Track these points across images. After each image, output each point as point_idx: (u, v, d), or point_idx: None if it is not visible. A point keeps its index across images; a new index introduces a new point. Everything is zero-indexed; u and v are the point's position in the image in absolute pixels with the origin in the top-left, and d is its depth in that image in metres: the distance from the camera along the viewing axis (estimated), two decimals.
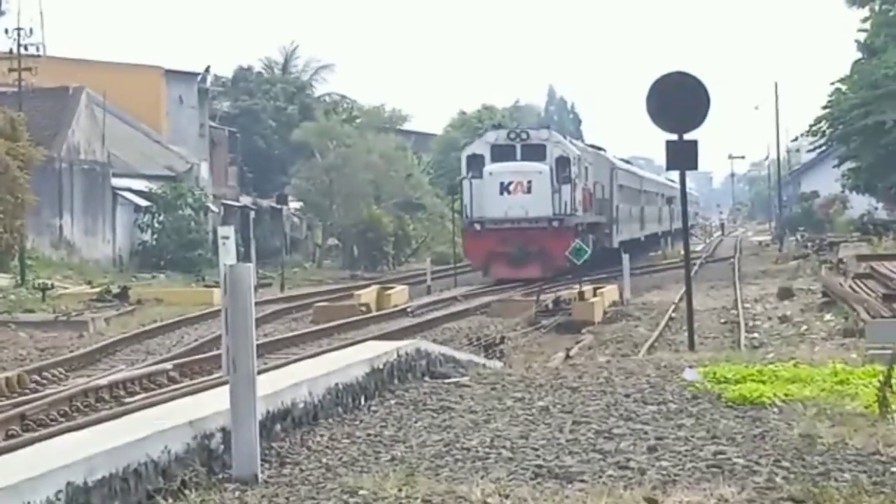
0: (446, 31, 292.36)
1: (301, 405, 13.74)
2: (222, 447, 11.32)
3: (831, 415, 13.91)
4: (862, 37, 74.78)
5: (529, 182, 51.90)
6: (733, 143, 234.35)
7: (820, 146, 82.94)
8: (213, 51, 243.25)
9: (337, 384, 14.95)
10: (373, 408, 15.06)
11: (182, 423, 11.30)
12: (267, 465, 11.39)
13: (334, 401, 14.67)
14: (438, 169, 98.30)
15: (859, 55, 74.83)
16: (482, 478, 10.88)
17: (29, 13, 62.44)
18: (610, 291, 42.34)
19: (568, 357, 26.90)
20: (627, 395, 15.61)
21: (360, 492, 10.18)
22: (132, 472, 9.96)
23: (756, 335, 30.66)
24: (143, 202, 64.87)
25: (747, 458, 11.64)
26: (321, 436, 13.12)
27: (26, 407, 21.81)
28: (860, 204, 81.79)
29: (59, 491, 8.77)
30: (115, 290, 46.70)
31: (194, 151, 74.17)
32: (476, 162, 54.16)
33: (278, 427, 12.69)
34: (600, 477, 10.91)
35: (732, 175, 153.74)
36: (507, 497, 9.99)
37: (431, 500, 9.90)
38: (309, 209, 78.96)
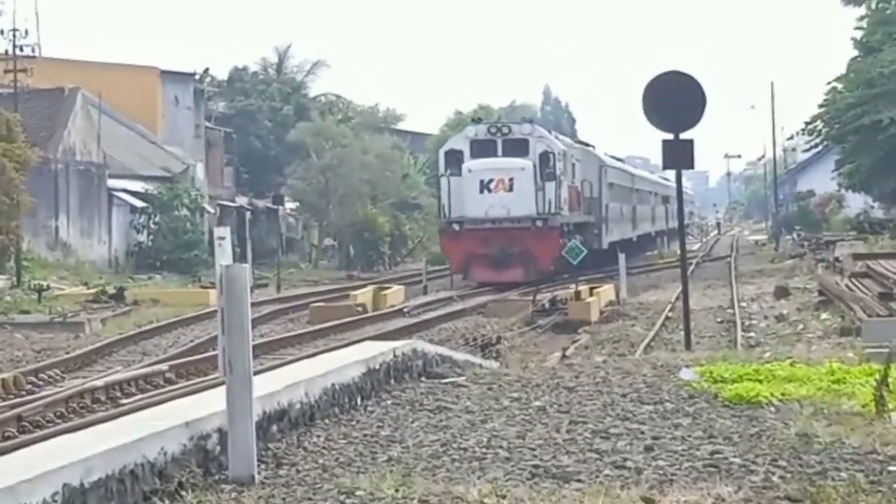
0: (442, 30, 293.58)
1: (297, 406, 13.76)
2: (219, 448, 11.35)
3: (828, 414, 14.00)
4: (858, 35, 74.59)
5: (511, 179, 49.43)
6: (729, 142, 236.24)
7: (816, 145, 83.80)
8: (208, 51, 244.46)
9: (333, 385, 14.99)
10: (369, 408, 15.08)
11: (178, 425, 11.33)
12: (263, 466, 11.40)
13: (331, 401, 14.70)
14: (434, 169, 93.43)
15: (856, 53, 74.64)
16: (479, 478, 10.92)
17: (24, 14, 62.47)
18: (606, 291, 42.17)
19: (564, 357, 26.87)
20: (624, 395, 15.67)
21: (357, 492, 10.22)
22: (128, 474, 9.99)
23: (752, 334, 30.64)
24: (139, 203, 64.99)
25: (744, 458, 11.70)
26: (318, 436, 13.15)
27: (23, 408, 21.77)
28: (856, 203, 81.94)
29: (56, 492, 8.79)
30: (111, 291, 46.63)
31: (190, 152, 74.16)
32: (455, 158, 51.51)
33: (275, 428, 12.72)
34: (597, 477, 10.95)
35: (729, 174, 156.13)
36: (503, 497, 10.03)
37: (428, 500, 9.93)
38: (305, 209, 79.03)
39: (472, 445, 12.55)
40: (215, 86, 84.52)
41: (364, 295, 45.83)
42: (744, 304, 38.68)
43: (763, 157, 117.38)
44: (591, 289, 41.66)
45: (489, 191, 48.97)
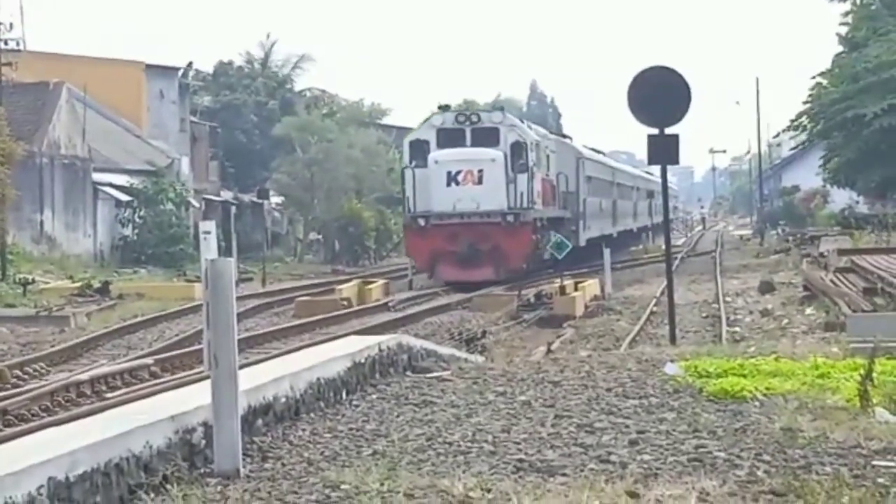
0: (429, 25, 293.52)
1: (283, 400, 13.83)
2: (204, 442, 11.40)
3: (812, 408, 14.12)
4: (843, 30, 75.27)
5: (481, 171, 45.82)
6: (715, 137, 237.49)
7: (801, 141, 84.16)
8: (193, 45, 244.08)
9: (319, 379, 15.06)
10: (354, 402, 15.20)
11: (164, 418, 11.38)
12: (249, 460, 11.49)
13: (316, 395, 14.76)
14: None
15: (840, 49, 75.01)
16: (464, 472, 10.98)
17: (8, 8, 62.87)
18: (591, 286, 42.22)
19: (549, 351, 26.89)
20: (609, 390, 15.77)
21: (343, 486, 10.27)
22: (114, 467, 10.04)
23: (737, 329, 30.75)
24: (124, 197, 65.16)
25: (729, 452, 11.81)
26: (303, 430, 13.21)
27: (8, 402, 21.84)
28: (841, 198, 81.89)
29: (41, 486, 8.83)
30: (96, 285, 46.67)
31: (175, 146, 74.26)
32: (421, 149, 47.83)
33: (260, 422, 12.79)
34: (582, 471, 11.04)
35: (714, 169, 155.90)
36: (488, 491, 10.10)
37: (414, 494, 10.00)
38: (290, 204, 79.22)
39: (457, 439, 12.63)
40: (200, 80, 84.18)
41: (349, 289, 45.83)
42: (728, 299, 38.83)
43: (748, 152, 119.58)
44: (576, 283, 41.80)
45: (457, 183, 45.93)
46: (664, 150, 25.99)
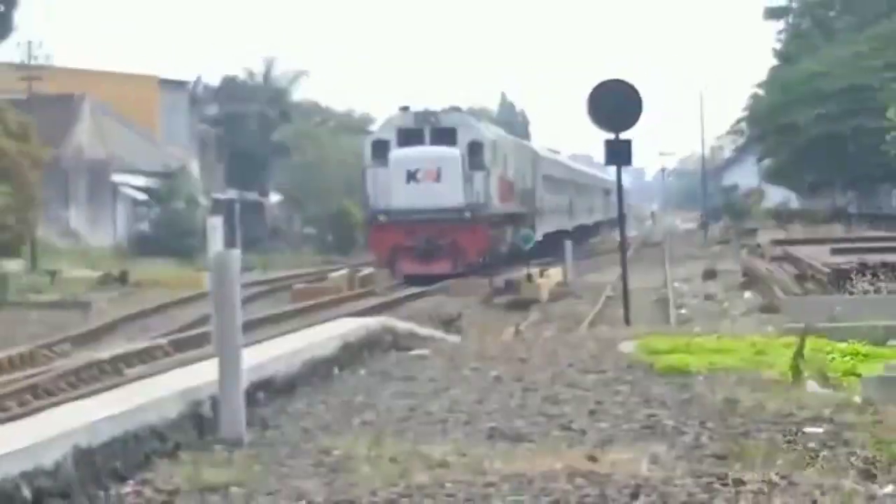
0: (412, 38, 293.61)
1: (281, 376, 14.01)
2: (212, 413, 11.58)
3: (750, 381, 14.28)
4: (778, 46, 76.12)
5: (439, 169, 43.97)
6: (664, 141, 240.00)
7: (740, 145, 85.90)
8: (202, 58, 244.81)
9: (313, 357, 15.25)
10: (345, 377, 15.35)
11: (176, 392, 11.59)
12: (251, 429, 11.66)
13: (311, 372, 14.90)
14: None
15: (775, 62, 75.59)
16: (442, 439, 11.18)
17: (38, 26, 63.95)
18: (555, 273, 42.46)
19: (518, 332, 27.13)
20: (571, 365, 15.96)
21: (334, 452, 10.42)
22: (132, 436, 10.26)
23: (684, 311, 31.00)
24: (140, 196, 66.22)
25: (676, 421, 12.03)
26: (299, 403, 13.38)
27: (38, 378, 22.22)
28: (776, 195, 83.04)
29: (67, 453, 9.01)
30: (115, 274, 46.83)
31: (186, 151, 74.98)
32: (382, 148, 45.89)
33: (261, 395, 12.91)
34: (546, 437, 11.25)
35: (663, 170, 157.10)
36: (464, 456, 10.24)
37: (397, 458, 10.14)
38: (288, 202, 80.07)
39: (435, 410, 12.83)
40: (208, 92, 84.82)
41: (340, 277, 45.33)
42: (676, 285, 39.03)
43: (693, 155, 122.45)
44: (541, 271, 41.92)
45: (416, 181, 43.92)
46: (619, 153, 26.73)
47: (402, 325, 20.42)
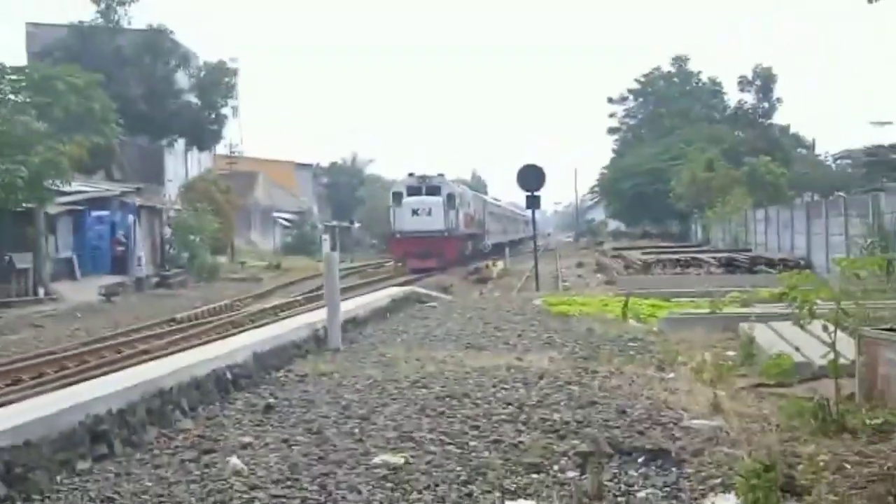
0: (423, 131, 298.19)
1: (360, 316, 15.82)
2: (324, 335, 13.09)
3: (600, 320, 16.02)
4: (615, 147, 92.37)
5: (430, 208, 54.37)
6: (555, 194, 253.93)
7: (594, 199, 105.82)
8: (319, 146, 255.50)
9: (376, 306, 17.38)
10: (392, 318, 17.27)
11: (305, 324, 13.26)
12: (344, 343, 13.19)
13: (375, 314, 16.88)
14: None
15: (613, 156, 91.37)
16: (442, 348, 12.68)
17: (233, 133, 79.63)
18: (501, 264, 50.77)
19: (481, 294, 31.55)
20: (508, 311, 17.94)
21: (387, 355, 11.87)
22: (284, 347, 11.77)
23: (566, 283, 34.46)
24: (287, 224, 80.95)
25: (562, 339, 13.51)
26: (369, 330, 15.14)
27: (233, 316, 26.69)
28: (613, 224, 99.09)
29: (248, 356, 10.59)
30: (274, 264, 56.93)
31: (310, 200, 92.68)
32: (397, 197, 56.20)
33: (349, 326, 14.53)
34: (496, 348, 12.75)
35: (555, 210, 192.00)
36: (453, 357, 11.67)
37: (419, 358, 11.54)
38: (363, 226, 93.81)
39: (438, 334, 14.38)
40: (321, 169, 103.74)
41: (392, 266, 54.75)
42: (562, 270, 43.96)
43: (571, 203, 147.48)
44: (494, 262, 51.19)
45: (417, 215, 54.36)
46: (534, 201, 33.81)
47: (422, 290, 23.14)
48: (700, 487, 6.04)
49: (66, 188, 33.55)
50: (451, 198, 55.04)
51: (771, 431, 7.28)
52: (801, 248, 33.03)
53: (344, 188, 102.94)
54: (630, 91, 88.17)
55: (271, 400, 9.06)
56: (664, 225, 79.67)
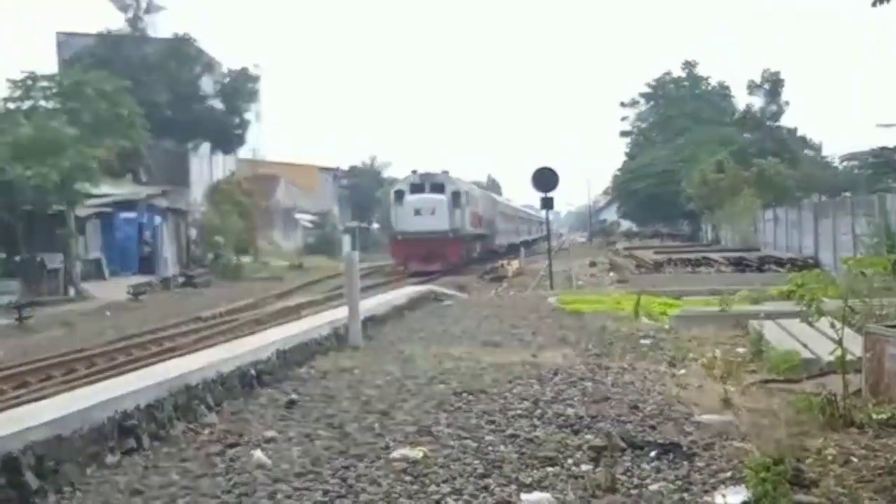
0: (442, 136, 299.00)
1: (379, 314, 15.79)
2: (344, 332, 13.04)
3: (613, 317, 15.96)
4: (627, 149, 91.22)
5: (433, 207, 49.29)
6: (569, 195, 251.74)
7: (608, 200, 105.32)
8: (340, 150, 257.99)
9: (394, 305, 17.30)
10: (410, 315, 17.29)
11: (326, 322, 13.19)
12: (364, 340, 13.18)
13: (393, 312, 16.80)
14: None
15: (625, 158, 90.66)
16: (459, 345, 12.63)
17: (255, 137, 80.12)
18: (515, 263, 48.95)
19: (497, 293, 31.16)
20: (523, 309, 17.84)
21: (406, 352, 11.88)
22: (306, 344, 11.79)
23: (580, 282, 34.21)
24: (309, 225, 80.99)
25: (576, 336, 13.45)
26: (387, 328, 15.07)
27: (258, 314, 27.01)
28: (626, 224, 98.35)
29: (272, 353, 10.62)
30: (296, 264, 56.50)
31: (332, 202, 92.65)
32: (399, 195, 50.96)
33: (369, 323, 14.47)
34: (511, 345, 12.67)
35: (569, 212, 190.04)
36: (470, 354, 11.62)
37: (436, 355, 11.51)
38: (381, 227, 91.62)
39: (456, 332, 14.32)
40: (342, 172, 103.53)
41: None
42: (576, 269, 43.18)
43: (584, 204, 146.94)
44: (508, 262, 48.85)
45: (420, 215, 49.33)
46: (548, 203, 33.51)
47: (439, 289, 23.12)
48: (711, 480, 6.04)
49: (96, 191, 33.66)
50: (456, 196, 50.39)
51: (780, 426, 7.26)
52: (809, 248, 32.82)
53: (363, 190, 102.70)
54: (641, 95, 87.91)
55: (294, 395, 9.09)
56: (675, 225, 79.87)
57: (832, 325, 7.68)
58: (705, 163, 58.01)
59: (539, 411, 8.06)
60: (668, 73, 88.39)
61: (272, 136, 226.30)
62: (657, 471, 6.34)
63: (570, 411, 8.02)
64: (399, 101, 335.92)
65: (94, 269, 37.15)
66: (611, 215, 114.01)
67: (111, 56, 50.27)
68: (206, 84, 56.60)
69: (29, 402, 10.91)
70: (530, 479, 6.16)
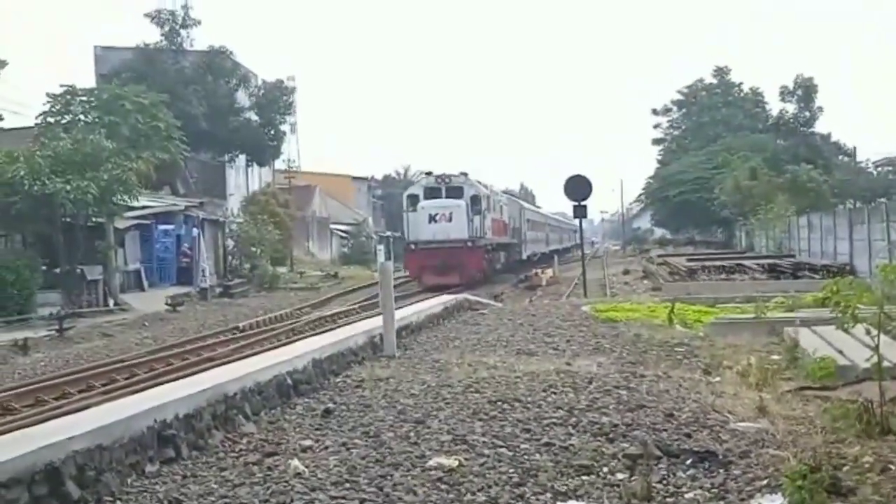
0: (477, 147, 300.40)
1: (413, 323, 15.81)
2: (380, 341, 13.06)
3: (647, 325, 15.86)
4: (659, 157, 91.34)
5: (451, 213, 44.47)
6: (603, 204, 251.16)
7: (641, 206, 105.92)
8: (374, 160, 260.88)
9: (429, 313, 17.38)
10: (445, 324, 17.30)
11: (362, 331, 13.24)
12: (399, 350, 13.22)
13: (428, 321, 16.87)
14: None
15: (657, 166, 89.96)
16: (493, 354, 12.63)
17: (291, 149, 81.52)
18: (549, 271, 48.32)
19: (531, 301, 30.86)
20: (557, 317, 17.82)
21: (441, 361, 11.92)
22: (342, 353, 11.83)
23: (613, 289, 34.26)
24: (343, 234, 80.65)
25: (610, 345, 13.43)
26: (422, 336, 15.11)
27: (294, 324, 27.07)
28: (659, 232, 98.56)
29: (308, 362, 10.64)
30: (331, 273, 56.49)
31: (365, 212, 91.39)
32: (413, 200, 46.44)
33: (404, 333, 14.55)
34: (545, 353, 12.65)
35: (602, 220, 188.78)
36: (504, 363, 11.59)
37: (471, 363, 11.50)
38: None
39: (490, 340, 14.32)
40: (376, 182, 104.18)
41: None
42: (609, 277, 43.55)
43: (617, 211, 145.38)
44: (542, 270, 48.27)
45: (435, 221, 44.54)
46: (581, 211, 33.61)
47: (473, 298, 23.30)
48: (747, 488, 5.98)
49: (134, 203, 34.04)
50: (476, 200, 45.49)
51: (816, 433, 7.18)
52: (844, 254, 32.56)
53: (397, 200, 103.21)
54: (674, 102, 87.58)
55: (330, 405, 9.12)
56: (709, 232, 79.62)
57: (868, 332, 7.58)
58: (739, 169, 57.75)
59: (574, 419, 8.03)
60: (701, 80, 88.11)
61: (307, 147, 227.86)
62: (693, 479, 6.32)
63: (605, 419, 7.98)
64: (433, 111, 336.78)
65: (133, 281, 37.50)
66: (644, 223, 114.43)
67: (148, 70, 50.73)
68: (242, 97, 57.02)
69: (70, 412, 10.91)
70: (565, 488, 6.13)
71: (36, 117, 37.27)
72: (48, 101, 37.34)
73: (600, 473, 6.46)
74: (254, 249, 48.39)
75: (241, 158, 59.02)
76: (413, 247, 44.11)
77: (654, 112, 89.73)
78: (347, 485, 6.28)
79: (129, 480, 6.54)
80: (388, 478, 6.42)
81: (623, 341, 13.78)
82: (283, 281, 47.87)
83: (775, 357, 11.71)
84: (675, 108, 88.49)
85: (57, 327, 24.57)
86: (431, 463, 6.70)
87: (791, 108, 75.87)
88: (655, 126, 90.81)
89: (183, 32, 54.82)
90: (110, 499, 6.17)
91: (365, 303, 33.22)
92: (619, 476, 6.35)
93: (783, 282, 27.61)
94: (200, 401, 7.99)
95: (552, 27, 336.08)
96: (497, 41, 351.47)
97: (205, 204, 46.88)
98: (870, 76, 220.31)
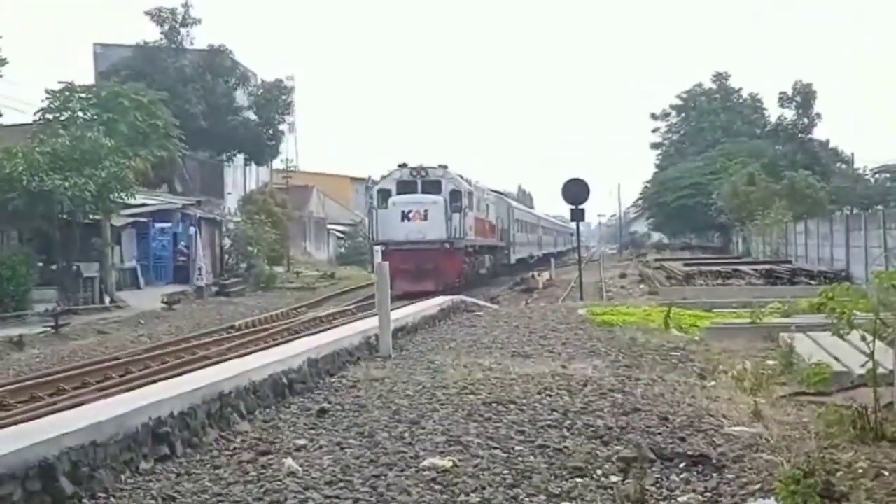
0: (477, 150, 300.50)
1: (409, 324, 15.84)
2: (375, 342, 13.08)
3: (643, 329, 15.84)
4: (657, 161, 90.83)
5: (426, 210, 40.46)
6: (600, 207, 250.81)
7: (638, 211, 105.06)
8: (373, 160, 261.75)
9: (425, 315, 17.35)
10: (440, 325, 17.32)
11: (358, 331, 13.26)
12: (394, 350, 13.22)
13: (424, 322, 16.85)
14: None
15: (655, 170, 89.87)
16: (489, 356, 12.66)
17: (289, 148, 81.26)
18: (546, 274, 48.37)
19: (527, 304, 30.91)
20: (553, 320, 17.83)
21: (436, 362, 11.91)
22: (338, 353, 11.78)
23: (610, 293, 34.35)
24: (341, 235, 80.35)
25: (606, 348, 13.45)
26: (418, 337, 15.11)
27: (290, 324, 27.09)
28: (656, 236, 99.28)
29: (303, 361, 10.65)
30: (328, 273, 56.41)
31: (364, 213, 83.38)
32: (384, 195, 42.18)
33: (399, 333, 14.53)
34: (540, 356, 12.64)
35: (599, 224, 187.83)
36: (499, 365, 11.57)
37: (467, 365, 11.48)
38: None
39: (486, 342, 14.33)
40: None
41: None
42: (606, 280, 43.51)
43: (614, 215, 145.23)
44: (539, 273, 48.07)
45: (409, 219, 40.41)
46: (578, 214, 33.54)
47: (469, 300, 23.38)
48: (740, 493, 6.00)
49: (131, 201, 33.99)
50: (455, 196, 40.63)
51: (810, 439, 7.22)
52: (840, 261, 32.59)
53: None
54: (672, 107, 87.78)
55: (325, 404, 9.13)
56: (706, 237, 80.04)
57: (863, 339, 7.61)
58: (736, 175, 57.73)
59: (568, 422, 8.05)
60: (700, 85, 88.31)
61: (307, 148, 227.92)
62: (686, 482, 6.34)
63: (599, 422, 8.01)
64: (433, 113, 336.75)
65: (129, 278, 37.43)
66: (641, 227, 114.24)
67: (147, 68, 50.72)
68: (241, 96, 57.00)
69: (65, 408, 10.89)
70: (559, 490, 6.14)
71: (35, 114, 37.08)
72: (47, 98, 37.21)
73: (594, 476, 6.48)
74: (250, 249, 48.40)
75: (240, 157, 59.04)
76: (384, 248, 35.21)
77: (653, 116, 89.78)
78: (341, 484, 6.29)
79: (123, 477, 6.54)
80: (382, 478, 6.42)
81: (618, 345, 13.77)
82: (279, 280, 47.81)
83: (770, 362, 11.74)
84: (673, 113, 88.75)
85: (52, 324, 24.55)
86: (425, 463, 6.71)
87: (790, 114, 75.95)
88: (654, 130, 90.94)
89: (183, 31, 54.76)
90: (104, 495, 6.18)
91: (361, 303, 33.37)
92: (613, 479, 6.36)
93: (779, 287, 27.65)
94: (195, 399, 8.00)
95: (552, 27, 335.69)
96: (498, 43, 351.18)
97: (202, 202, 46.92)
98: (869, 83, 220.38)
